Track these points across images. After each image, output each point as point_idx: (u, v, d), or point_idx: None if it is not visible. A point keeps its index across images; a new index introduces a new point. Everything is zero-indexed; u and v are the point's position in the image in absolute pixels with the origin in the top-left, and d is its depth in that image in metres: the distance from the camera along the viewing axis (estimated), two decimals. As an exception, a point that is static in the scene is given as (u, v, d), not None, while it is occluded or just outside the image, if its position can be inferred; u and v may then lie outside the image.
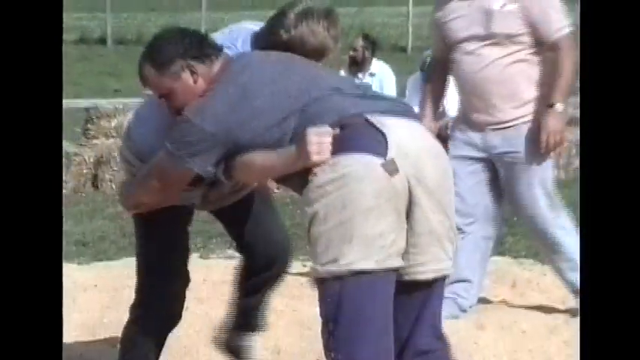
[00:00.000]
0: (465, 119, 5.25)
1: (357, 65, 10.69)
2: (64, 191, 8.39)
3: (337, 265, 3.15)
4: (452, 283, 5.15)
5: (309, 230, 3.24)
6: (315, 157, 3.18)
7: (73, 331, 4.98)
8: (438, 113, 10.20)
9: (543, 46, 5.03)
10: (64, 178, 9.24)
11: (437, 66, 5.37)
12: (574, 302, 5.62)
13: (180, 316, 4.32)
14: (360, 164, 3.18)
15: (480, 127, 5.15)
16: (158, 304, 4.20)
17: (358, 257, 3.15)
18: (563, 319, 5.35)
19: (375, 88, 10.57)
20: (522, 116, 5.07)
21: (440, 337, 3.42)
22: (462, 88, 5.23)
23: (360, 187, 3.16)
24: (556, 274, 5.40)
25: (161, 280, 4.17)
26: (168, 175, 3.53)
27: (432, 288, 3.34)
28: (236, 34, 4.05)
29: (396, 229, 3.19)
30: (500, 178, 5.22)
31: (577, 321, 5.15)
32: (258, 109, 3.35)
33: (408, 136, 3.26)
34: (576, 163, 10.11)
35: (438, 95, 5.39)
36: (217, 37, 4.05)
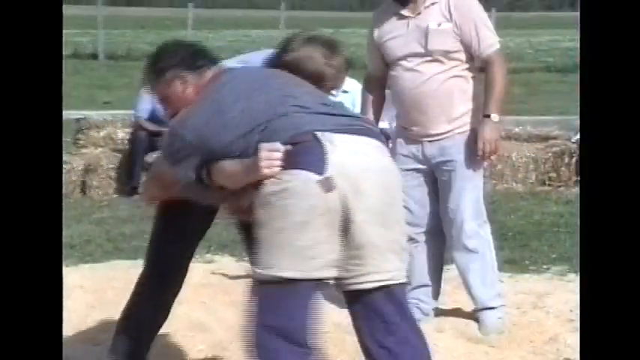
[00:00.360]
0: (404, 133, 5.23)
1: (332, 83, 10.72)
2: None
3: (269, 270, 3.33)
4: (413, 289, 5.23)
5: (254, 235, 3.38)
6: (264, 171, 3.32)
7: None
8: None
9: (475, 62, 5.06)
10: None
11: (374, 82, 5.32)
12: (528, 307, 5.68)
13: (169, 312, 4.40)
14: (299, 180, 3.30)
15: (418, 140, 5.14)
16: (158, 291, 4.32)
17: (287, 266, 3.30)
18: (518, 322, 5.34)
19: (348, 104, 10.51)
20: (457, 127, 5.07)
21: (410, 338, 3.51)
22: (401, 102, 5.18)
23: (296, 202, 3.29)
24: (465, 285, 5.35)
25: (166, 268, 4.29)
26: (163, 176, 3.73)
27: (388, 295, 3.43)
28: (253, 57, 4.25)
29: (328, 242, 3.32)
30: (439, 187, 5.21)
31: (526, 322, 5.25)
32: (228, 123, 3.45)
33: (351, 154, 3.35)
34: (533, 177, 10.15)
35: (377, 109, 5.33)
36: (242, 56, 4.39)
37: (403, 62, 5.07)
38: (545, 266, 6.82)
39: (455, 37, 4.99)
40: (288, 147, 3.32)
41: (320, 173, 3.28)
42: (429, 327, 5.12)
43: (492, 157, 5.17)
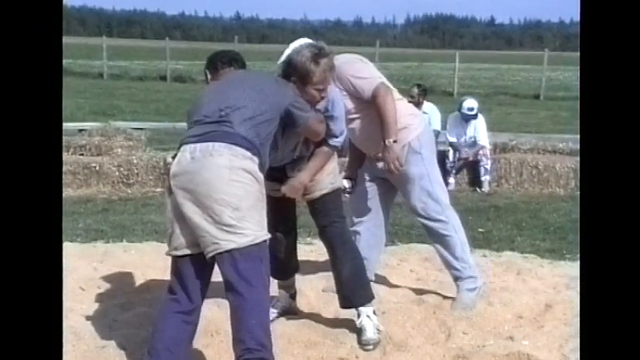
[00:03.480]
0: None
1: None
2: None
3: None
4: None
5: None
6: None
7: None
8: (471, 142, 10.19)
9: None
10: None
11: None
12: (562, 287, 5.56)
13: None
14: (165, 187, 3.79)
15: (374, 159, 5.03)
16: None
17: (168, 246, 3.77)
18: (554, 299, 5.23)
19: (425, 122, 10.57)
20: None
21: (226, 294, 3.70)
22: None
23: (166, 202, 3.77)
24: (442, 262, 5.16)
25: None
26: None
27: (221, 260, 3.61)
28: None
29: (175, 230, 3.67)
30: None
31: (560, 300, 5.12)
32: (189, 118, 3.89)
33: (183, 161, 3.65)
34: (573, 183, 9.96)
35: None
36: None
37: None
38: (578, 255, 6.66)
39: (345, 98, 4.76)
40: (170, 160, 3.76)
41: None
42: (483, 300, 5.04)
43: (399, 169, 4.82)
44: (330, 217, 4.47)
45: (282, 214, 4.48)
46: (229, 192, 3.57)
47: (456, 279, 5.05)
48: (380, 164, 4.93)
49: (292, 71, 4.04)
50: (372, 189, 5.19)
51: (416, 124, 4.97)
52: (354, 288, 4.49)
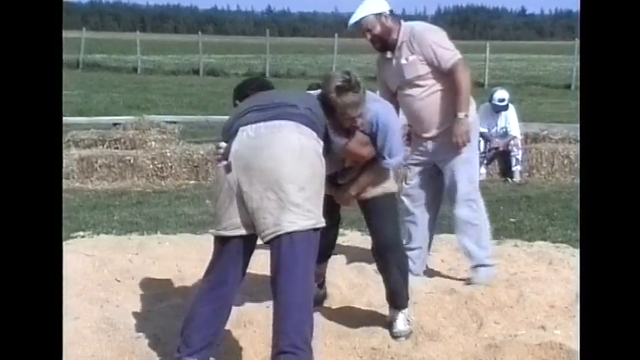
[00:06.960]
0: (415, 135, 5.34)
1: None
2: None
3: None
4: (409, 250, 5.25)
5: None
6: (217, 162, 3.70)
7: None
8: (503, 133, 10.10)
9: (448, 75, 5.03)
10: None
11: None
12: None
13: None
14: (217, 168, 3.66)
15: (421, 139, 5.27)
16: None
17: (213, 227, 3.69)
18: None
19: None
20: (444, 130, 5.13)
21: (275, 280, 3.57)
22: (406, 116, 5.30)
23: (215, 182, 3.68)
24: (461, 247, 5.44)
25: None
26: None
27: (278, 243, 3.50)
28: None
29: (229, 209, 3.55)
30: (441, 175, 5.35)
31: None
32: (227, 124, 3.76)
33: (245, 138, 3.53)
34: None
35: None
36: None
37: (399, 91, 5.20)
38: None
39: (421, 63, 5.05)
40: (223, 144, 3.63)
41: (227, 160, 3.54)
42: (513, 291, 5.02)
43: (465, 143, 5.09)
44: (382, 219, 4.36)
45: (329, 207, 4.41)
46: (298, 168, 3.45)
47: (475, 266, 5.32)
48: (429, 144, 5.19)
49: (322, 97, 3.81)
50: (423, 177, 5.37)
51: (470, 111, 5.15)
52: (398, 292, 4.42)
